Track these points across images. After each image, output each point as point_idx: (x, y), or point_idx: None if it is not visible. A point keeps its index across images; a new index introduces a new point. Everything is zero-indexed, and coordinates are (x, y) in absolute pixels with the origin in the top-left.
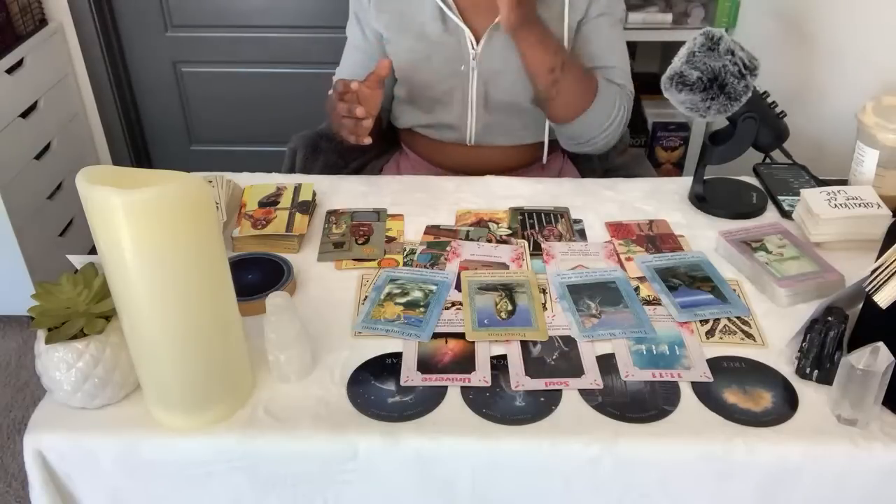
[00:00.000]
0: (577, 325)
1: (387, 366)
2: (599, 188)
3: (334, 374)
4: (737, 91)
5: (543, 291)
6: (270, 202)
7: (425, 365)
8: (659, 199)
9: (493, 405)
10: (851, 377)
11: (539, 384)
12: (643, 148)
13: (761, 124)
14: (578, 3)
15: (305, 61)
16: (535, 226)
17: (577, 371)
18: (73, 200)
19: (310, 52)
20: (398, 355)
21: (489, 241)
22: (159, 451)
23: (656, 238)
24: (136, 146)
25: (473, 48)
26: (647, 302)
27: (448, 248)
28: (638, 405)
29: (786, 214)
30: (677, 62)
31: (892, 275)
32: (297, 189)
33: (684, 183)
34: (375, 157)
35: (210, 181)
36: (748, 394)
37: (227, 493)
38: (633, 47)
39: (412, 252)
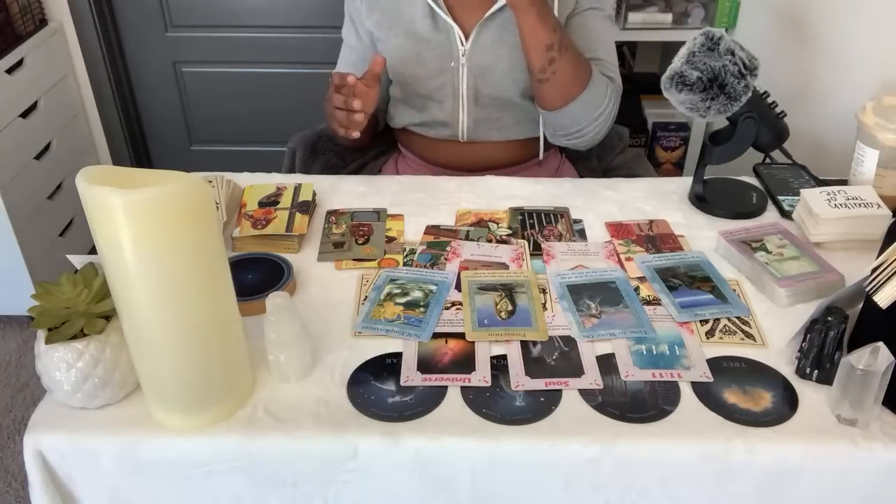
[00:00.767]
0: (577, 325)
1: (387, 366)
2: (599, 188)
3: (334, 374)
4: (737, 91)
5: (543, 291)
6: (270, 202)
7: (425, 365)
8: (659, 199)
9: (493, 405)
10: (851, 377)
11: (539, 384)
12: (643, 148)
13: (761, 124)
14: None
15: (305, 61)
16: (535, 226)
17: (577, 371)
18: (73, 200)
19: (309, 52)
20: (398, 355)
21: (489, 241)
22: (159, 451)
23: (656, 238)
24: (136, 146)
25: (462, 44)
26: (647, 302)
27: (448, 248)
28: (638, 405)
29: (786, 214)
30: (677, 62)
31: (892, 275)
32: (297, 189)
33: (684, 183)
34: (374, 158)
35: (210, 181)
36: (748, 394)
37: (227, 493)
38: (633, 47)
39: (412, 252)
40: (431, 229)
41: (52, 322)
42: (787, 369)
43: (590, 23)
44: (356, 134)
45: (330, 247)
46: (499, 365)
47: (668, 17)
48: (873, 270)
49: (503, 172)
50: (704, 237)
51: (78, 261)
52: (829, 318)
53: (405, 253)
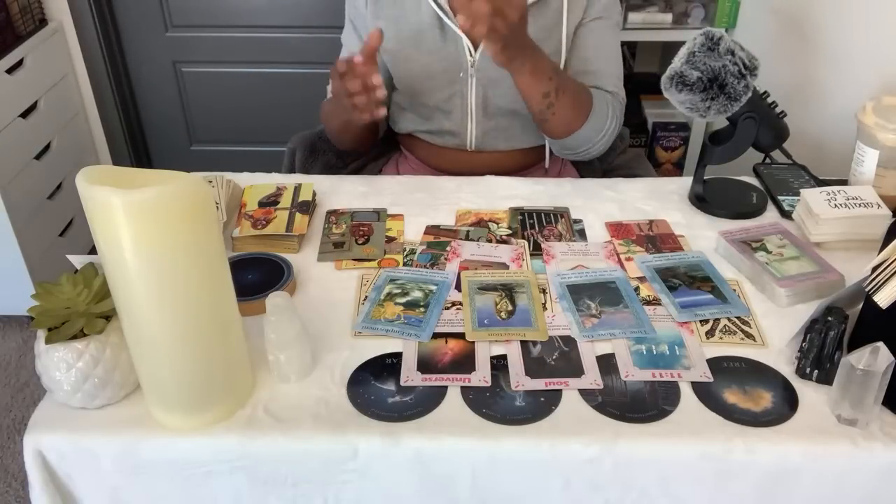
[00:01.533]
0: (577, 325)
1: (387, 366)
2: (599, 188)
3: (334, 374)
4: (737, 91)
5: (543, 291)
6: (270, 202)
7: (425, 365)
8: (659, 199)
9: (493, 405)
10: (851, 377)
11: (539, 384)
12: (643, 148)
13: (761, 124)
14: (576, 7)
15: (305, 61)
16: (534, 226)
17: (577, 371)
18: (73, 200)
19: (309, 52)
20: (398, 355)
21: (489, 241)
22: (159, 451)
23: (656, 238)
24: (136, 146)
25: (472, 55)
26: (647, 302)
27: (448, 248)
28: (638, 405)
29: (786, 214)
30: (677, 62)
31: (892, 275)
32: (297, 189)
33: (684, 183)
34: (374, 159)
35: (210, 181)
36: (748, 394)
37: (227, 493)
38: (633, 47)
39: (412, 252)
40: (431, 229)
41: (52, 322)
42: (787, 369)
43: (596, 34)
44: (383, 111)
45: (330, 247)
46: (499, 365)
47: (668, 17)
48: (873, 270)
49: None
50: (704, 237)
51: (78, 261)
52: (829, 318)
53: (405, 253)
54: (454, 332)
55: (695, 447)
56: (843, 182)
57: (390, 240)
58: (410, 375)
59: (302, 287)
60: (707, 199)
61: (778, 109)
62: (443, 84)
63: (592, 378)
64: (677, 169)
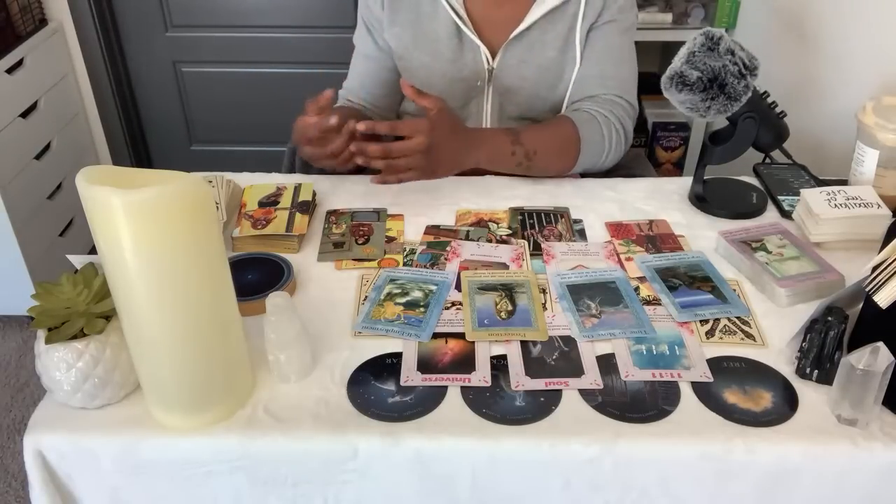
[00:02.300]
0: (577, 325)
1: (387, 366)
2: (599, 188)
3: (334, 374)
4: (737, 91)
5: (543, 291)
6: (270, 202)
7: (425, 365)
8: (659, 199)
9: (493, 405)
10: (851, 377)
11: (539, 384)
12: (643, 148)
13: (761, 124)
14: (591, 11)
15: (305, 61)
16: (534, 226)
17: (577, 371)
18: (73, 200)
19: (310, 52)
20: (398, 355)
21: (489, 241)
22: (159, 451)
23: (656, 238)
24: (136, 146)
25: (489, 64)
26: (647, 302)
27: (448, 248)
28: (638, 405)
29: (786, 214)
30: (677, 62)
31: (892, 274)
32: (297, 189)
33: (684, 183)
34: None
35: (210, 181)
36: (748, 394)
37: (227, 493)
38: None
39: (412, 252)
40: (431, 229)
41: (52, 322)
42: (787, 369)
43: (608, 37)
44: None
45: (330, 247)
46: (499, 365)
47: (668, 17)
48: (873, 270)
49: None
50: (704, 237)
51: (78, 261)
52: (829, 318)
53: (405, 253)
54: (454, 332)
55: (695, 447)
56: (843, 182)
57: (390, 240)
58: (410, 375)
59: (302, 287)
60: (707, 199)
61: (778, 109)
62: (459, 92)
63: (592, 378)
64: (677, 169)
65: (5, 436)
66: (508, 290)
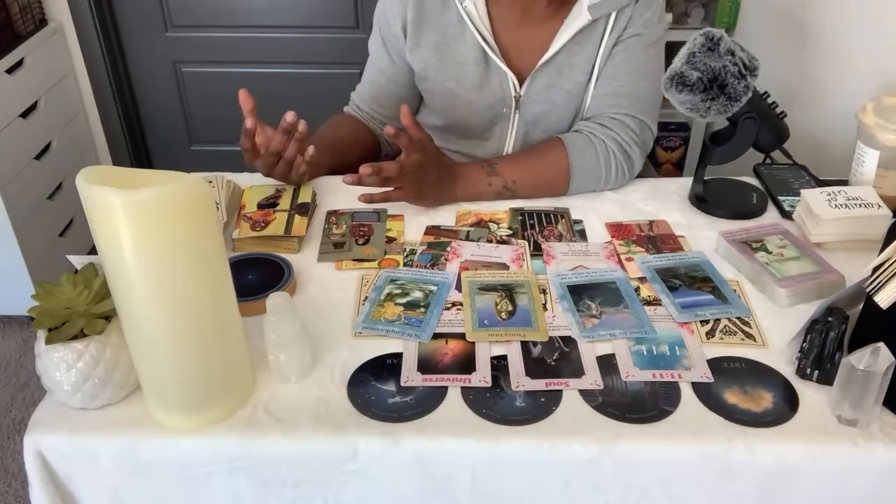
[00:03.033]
0: (577, 326)
1: (387, 366)
2: None
3: (334, 375)
4: (737, 91)
5: (544, 292)
6: (269, 203)
7: (425, 365)
8: (659, 199)
9: (494, 405)
10: (852, 378)
11: (539, 384)
12: None
13: (761, 124)
14: (618, 26)
15: (305, 61)
16: (535, 226)
17: (578, 371)
18: (73, 200)
19: (310, 52)
20: (398, 356)
21: (489, 241)
22: (159, 451)
23: (657, 238)
24: (136, 146)
25: (516, 91)
26: (648, 302)
27: (448, 249)
28: (638, 405)
29: (786, 215)
30: (677, 62)
31: (893, 275)
32: (297, 191)
33: (684, 183)
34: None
35: (210, 181)
36: (748, 394)
37: (226, 494)
38: None
39: (412, 252)
40: (432, 230)
41: (52, 322)
42: (787, 370)
43: (630, 52)
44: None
45: (330, 247)
46: (499, 365)
47: (668, 17)
48: (874, 270)
49: None
50: (705, 237)
51: (78, 261)
52: (830, 319)
53: (405, 253)
54: (454, 333)
55: (695, 447)
56: (844, 182)
57: (390, 240)
58: (410, 376)
59: (302, 287)
60: (707, 200)
61: (778, 109)
62: (484, 119)
63: (593, 378)
64: (677, 169)
65: (5, 436)
66: (509, 291)
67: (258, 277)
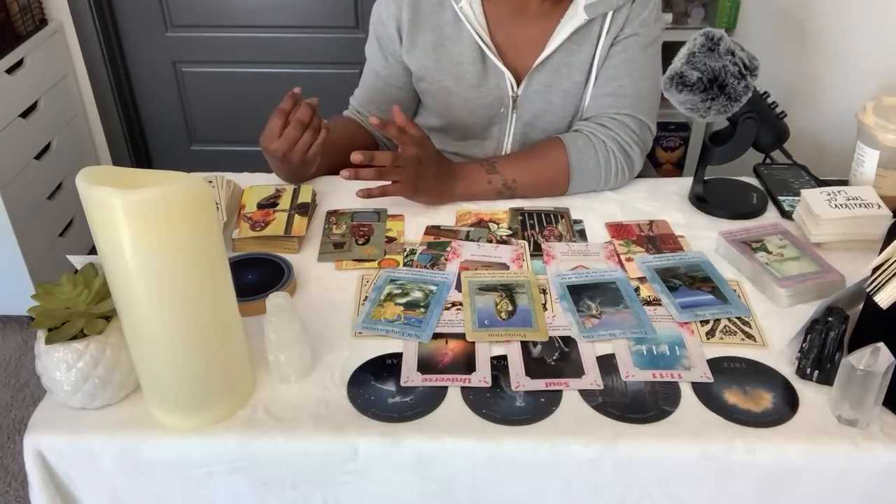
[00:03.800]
0: (577, 326)
1: (387, 366)
2: None
3: (334, 375)
4: (737, 91)
5: (544, 292)
6: (269, 204)
7: (425, 365)
8: (659, 199)
9: (494, 405)
10: (852, 378)
11: (539, 385)
12: None
13: (761, 125)
14: (615, 26)
15: (305, 61)
16: (535, 226)
17: (578, 371)
18: (73, 200)
19: (310, 52)
20: (398, 356)
21: (489, 241)
22: (159, 452)
23: (656, 238)
24: (136, 146)
25: (514, 91)
26: (648, 302)
27: (448, 249)
28: (638, 406)
29: (786, 215)
30: (677, 62)
31: (893, 275)
32: (297, 191)
33: (684, 183)
34: None
35: (210, 181)
36: (748, 394)
37: (226, 494)
38: None
39: (412, 252)
40: (432, 230)
41: (52, 322)
42: (787, 370)
43: (628, 51)
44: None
45: (330, 247)
46: (499, 365)
47: (668, 17)
48: (874, 271)
49: None
50: (705, 237)
51: (78, 261)
52: (830, 319)
53: (405, 253)
54: (454, 333)
55: (695, 448)
56: (844, 182)
57: (390, 240)
58: (410, 376)
59: (302, 287)
60: (707, 200)
61: (778, 110)
62: (482, 119)
63: (593, 378)
64: (677, 169)
65: (5, 436)
66: (509, 291)
67: (258, 277)
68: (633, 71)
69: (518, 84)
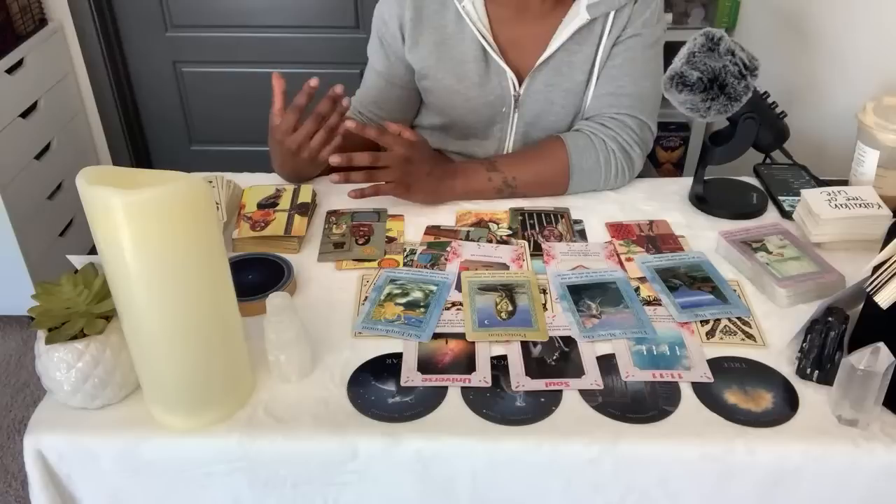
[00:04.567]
0: (577, 326)
1: (387, 366)
2: None
3: (334, 375)
4: (737, 91)
5: (544, 292)
6: (269, 204)
7: (425, 365)
8: (659, 199)
9: (494, 405)
10: (852, 378)
11: (539, 385)
12: None
13: (761, 125)
14: (616, 26)
15: (305, 61)
16: (535, 226)
17: (578, 371)
18: (73, 200)
19: (310, 52)
20: (398, 356)
21: (489, 241)
22: (159, 452)
23: (657, 238)
24: (136, 146)
25: (515, 90)
26: (648, 302)
27: (448, 249)
28: (638, 406)
29: (786, 215)
30: (677, 62)
31: (893, 275)
32: (297, 191)
33: (684, 183)
34: None
35: (210, 181)
36: (748, 394)
37: (226, 494)
38: None
39: (412, 252)
40: (432, 230)
41: (53, 322)
42: (787, 370)
43: (630, 52)
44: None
45: (330, 247)
46: (499, 365)
47: (668, 17)
48: (874, 270)
49: None
50: (705, 237)
51: (78, 261)
52: (830, 319)
53: (405, 253)
54: (454, 333)
55: (695, 448)
56: (844, 182)
57: (390, 240)
58: (411, 376)
59: (302, 287)
60: (707, 200)
61: (778, 110)
62: (484, 117)
63: (593, 378)
64: (677, 169)
65: (5, 436)
66: (509, 291)
67: (258, 278)
68: (635, 71)
69: (520, 83)
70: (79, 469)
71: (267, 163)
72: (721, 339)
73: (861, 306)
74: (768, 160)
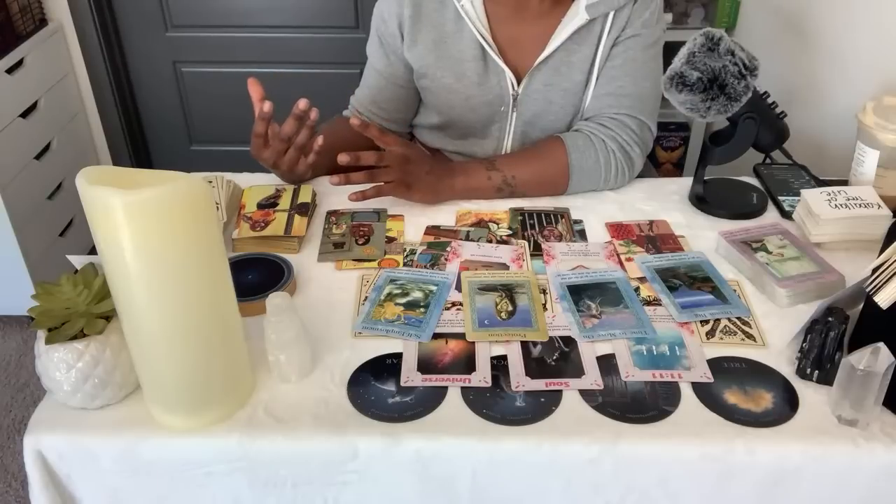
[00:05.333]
0: (577, 326)
1: (387, 366)
2: None
3: (334, 375)
4: (737, 91)
5: (544, 292)
6: (269, 204)
7: (425, 365)
8: (659, 199)
9: (494, 405)
10: (852, 378)
11: (539, 385)
12: None
13: (761, 125)
14: (616, 27)
15: (305, 61)
16: (535, 226)
17: (578, 371)
18: (73, 200)
19: (310, 52)
20: (398, 356)
21: (489, 241)
22: (159, 452)
23: (656, 238)
24: (136, 146)
25: (514, 89)
26: (648, 302)
27: (448, 249)
28: (638, 406)
29: (786, 215)
30: (677, 62)
31: (893, 275)
32: (297, 191)
33: (684, 183)
34: None
35: (210, 181)
36: (748, 394)
37: (226, 494)
38: None
39: (412, 252)
40: (431, 230)
41: (52, 322)
42: (787, 370)
43: (629, 52)
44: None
45: (330, 247)
46: (499, 365)
47: (668, 17)
48: (874, 271)
49: None
50: (705, 237)
51: (78, 261)
52: (830, 319)
53: (405, 253)
54: (454, 333)
55: (695, 448)
56: (844, 182)
57: (390, 240)
58: (411, 376)
59: (302, 287)
60: (707, 200)
61: (778, 110)
62: (482, 117)
63: (593, 378)
64: (677, 169)
65: (5, 436)
66: (509, 291)
67: (258, 278)
68: (635, 71)
69: (519, 83)
70: (79, 469)
71: None
72: (721, 339)
73: (861, 306)
74: (768, 160)
